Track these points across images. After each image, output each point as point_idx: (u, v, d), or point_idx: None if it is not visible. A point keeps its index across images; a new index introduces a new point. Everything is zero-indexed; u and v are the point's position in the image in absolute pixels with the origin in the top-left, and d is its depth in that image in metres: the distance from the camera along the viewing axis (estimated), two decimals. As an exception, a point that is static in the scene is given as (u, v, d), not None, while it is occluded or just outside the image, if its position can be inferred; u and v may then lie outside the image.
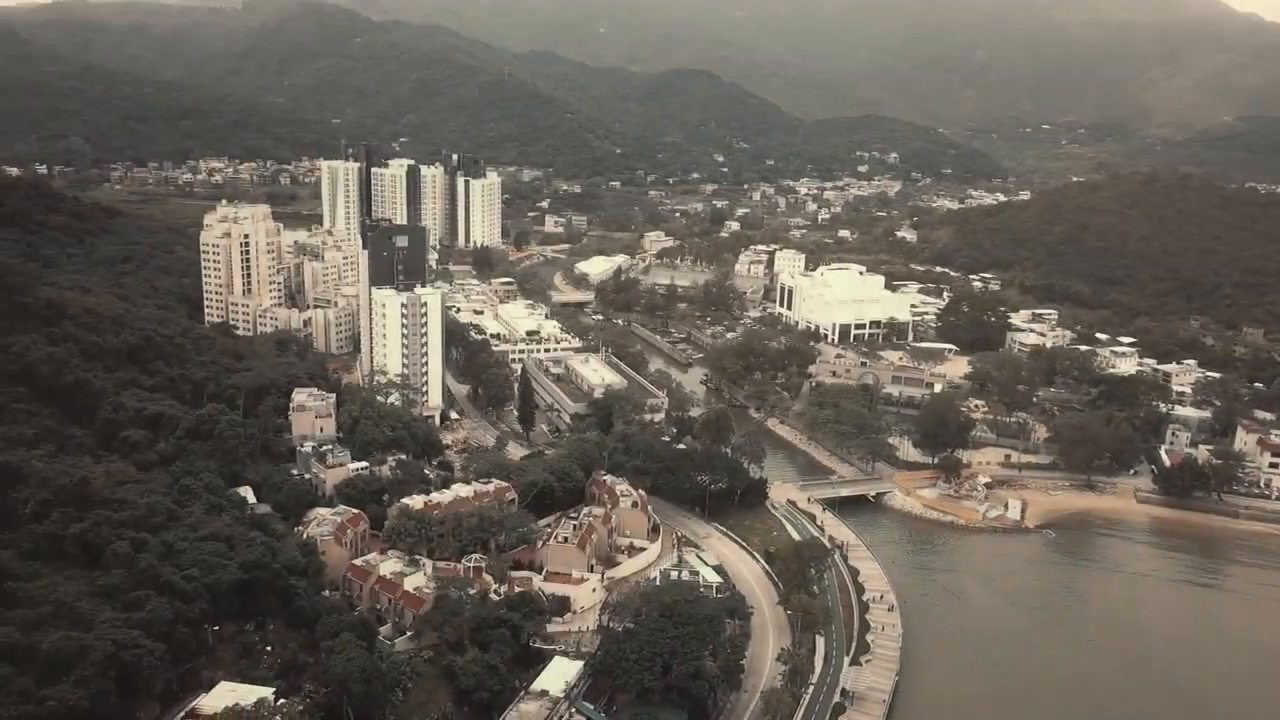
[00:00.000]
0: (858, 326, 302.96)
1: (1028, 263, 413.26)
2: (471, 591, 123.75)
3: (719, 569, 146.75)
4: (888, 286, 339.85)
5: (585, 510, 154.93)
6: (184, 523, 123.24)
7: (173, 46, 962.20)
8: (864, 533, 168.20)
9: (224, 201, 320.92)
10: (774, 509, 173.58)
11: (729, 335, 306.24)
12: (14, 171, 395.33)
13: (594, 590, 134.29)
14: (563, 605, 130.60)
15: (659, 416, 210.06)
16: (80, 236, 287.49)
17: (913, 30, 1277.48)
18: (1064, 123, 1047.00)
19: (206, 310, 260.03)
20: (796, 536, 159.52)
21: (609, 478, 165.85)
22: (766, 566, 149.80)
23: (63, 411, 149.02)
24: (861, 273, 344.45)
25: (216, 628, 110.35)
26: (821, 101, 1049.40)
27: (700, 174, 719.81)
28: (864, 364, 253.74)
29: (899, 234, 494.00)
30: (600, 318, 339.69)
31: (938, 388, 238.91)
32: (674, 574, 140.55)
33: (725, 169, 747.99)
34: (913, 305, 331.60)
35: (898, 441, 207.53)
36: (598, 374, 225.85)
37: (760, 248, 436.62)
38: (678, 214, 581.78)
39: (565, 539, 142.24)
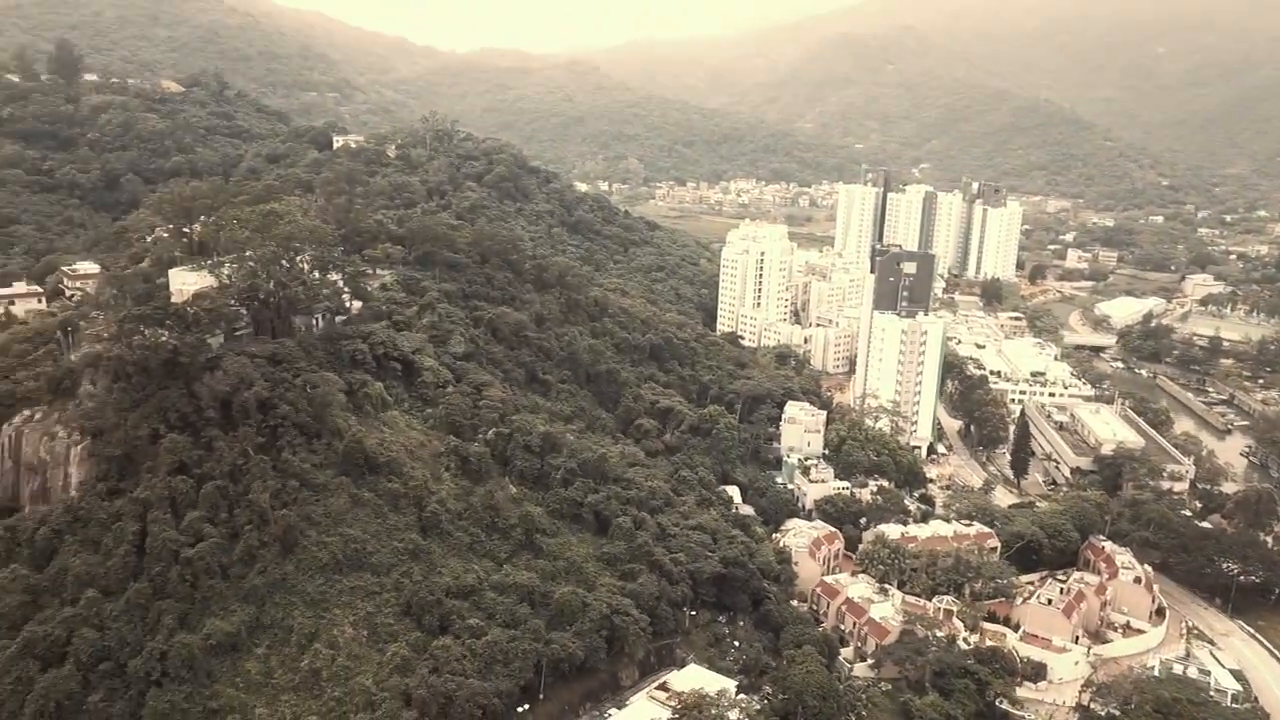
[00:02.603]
0: None
1: None
2: (939, 633, 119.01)
3: (1238, 675, 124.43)
4: None
5: (1076, 575, 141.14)
6: (678, 509, 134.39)
7: (722, 77, 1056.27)
8: None
9: (747, 220, 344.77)
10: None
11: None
12: (583, 187, 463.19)
13: (1076, 664, 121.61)
14: (1038, 671, 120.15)
15: (1180, 486, 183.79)
16: (626, 245, 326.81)
17: None
18: None
19: (719, 319, 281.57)
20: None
21: (1109, 545, 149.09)
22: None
23: (594, 395, 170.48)
24: None
25: (693, 613, 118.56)
26: None
27: (1270, 211, 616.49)
28: None
29: None
30: (1120, 365, 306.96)
31: None
32: (1178, 668, 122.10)
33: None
34: None
35: None
36: (1109, 427, 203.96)
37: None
38: (1233, 256, 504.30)
39: (1049, 601, 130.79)
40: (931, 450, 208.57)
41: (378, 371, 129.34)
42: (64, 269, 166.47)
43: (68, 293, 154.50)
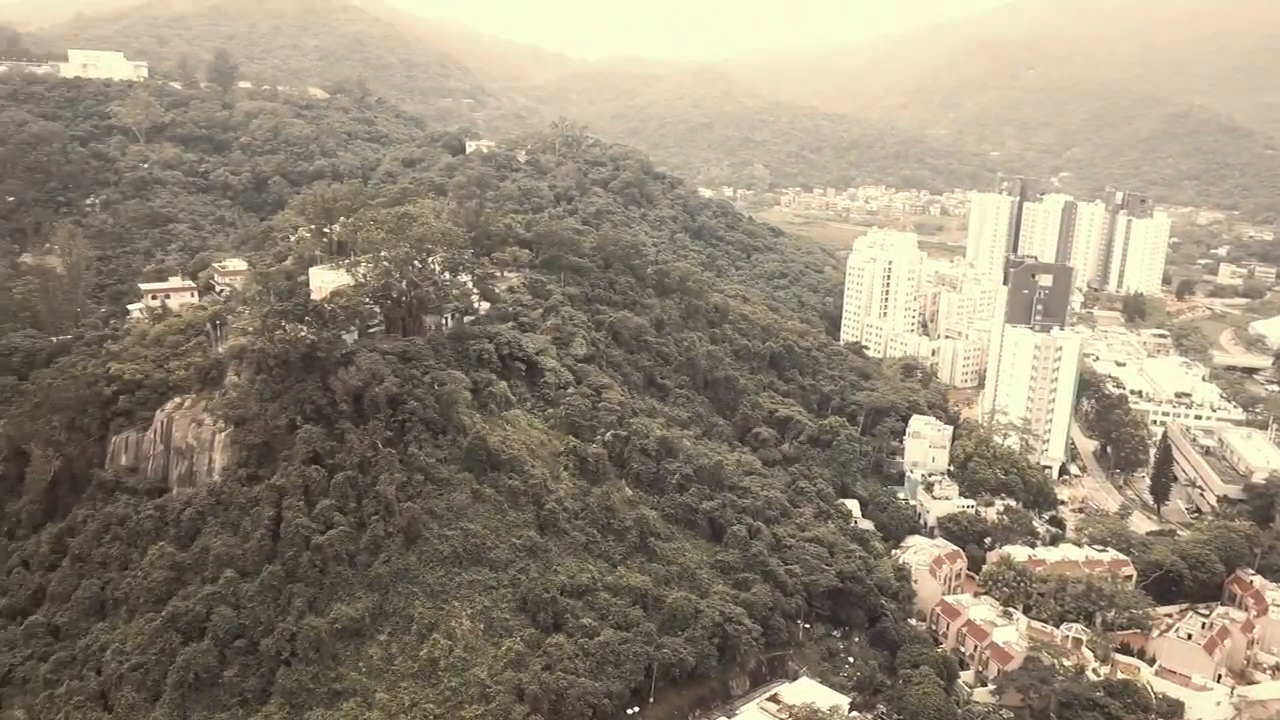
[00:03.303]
0: None
1: None
2: (1066, 662, 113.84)
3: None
4: None
5: (1220, 610, 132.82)
6: (794, 520, 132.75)
7: (851, 82, 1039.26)
8: None
9: (875, 228, 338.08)
10: None
11: None
12: (708, 193, 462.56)
13: (1218, 704, 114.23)
14: (1174, 710, 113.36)
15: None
16: (749, 251, 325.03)
17: None
18: None
19: (843, 328, 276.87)
20: None
21: (1258, 579, 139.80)
22: None
23: (712, 401, 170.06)
24: None
25: (807, 626, 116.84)
26: None
27: None
28: None
29: None
30: (1276, 389, 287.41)
31: None
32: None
33: None
34: None
35: None
36: (1261, 454, 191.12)
37: None
38: None
39: (1189, 636, 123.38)
40: (1063, 471, 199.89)
41: (502, 371, 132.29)
42: (215, 265, 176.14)
43: (218, 288, 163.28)
